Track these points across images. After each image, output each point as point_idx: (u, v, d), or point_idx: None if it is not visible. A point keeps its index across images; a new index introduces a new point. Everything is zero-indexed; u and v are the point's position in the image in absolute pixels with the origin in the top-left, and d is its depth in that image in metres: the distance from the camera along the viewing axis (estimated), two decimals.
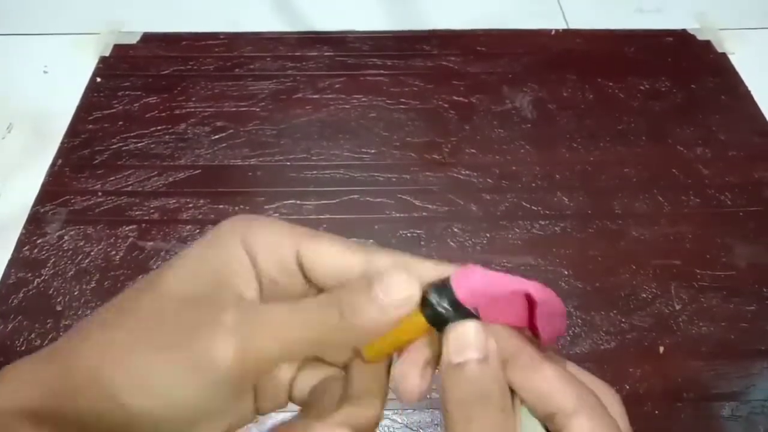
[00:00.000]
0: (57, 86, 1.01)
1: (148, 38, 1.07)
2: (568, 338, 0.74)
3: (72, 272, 0.78)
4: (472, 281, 0.22)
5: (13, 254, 0.80)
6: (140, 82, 1.00)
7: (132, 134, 0.93)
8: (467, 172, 0.90)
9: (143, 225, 0.83)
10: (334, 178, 0.89)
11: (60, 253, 0.80)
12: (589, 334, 0.74)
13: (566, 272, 0.80)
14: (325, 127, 0.95)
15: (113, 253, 0.80)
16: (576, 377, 0.22)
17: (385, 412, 0.68)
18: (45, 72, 1.04)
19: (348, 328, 0.20)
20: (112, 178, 0.88)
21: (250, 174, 0.89)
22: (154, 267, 0.79)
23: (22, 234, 0.82)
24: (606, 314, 0.76)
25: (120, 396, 0.19)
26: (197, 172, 0.89)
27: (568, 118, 0.97)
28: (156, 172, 0.89)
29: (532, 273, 0.79)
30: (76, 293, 0.76)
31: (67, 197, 0.85)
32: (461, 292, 0.21)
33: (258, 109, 0.97)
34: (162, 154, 0.91)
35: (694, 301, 0.77)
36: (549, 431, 0.21)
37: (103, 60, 1.04)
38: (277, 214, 0.84)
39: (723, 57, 1.07)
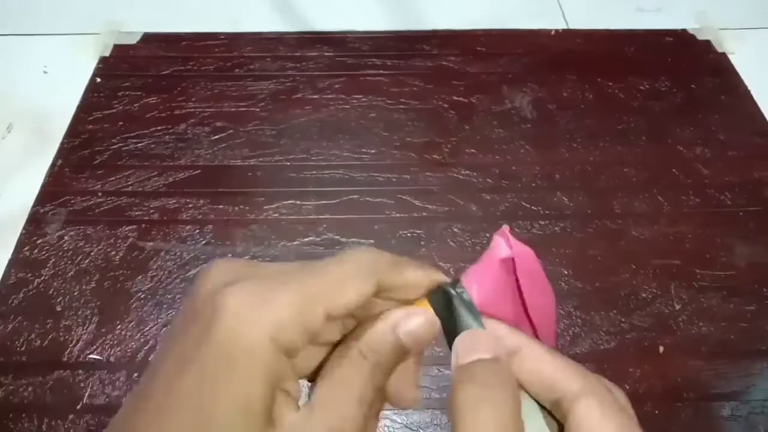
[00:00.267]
0: (57, 86, 1.01)
1: (148, 38, 1.07)
2: (568, 338, 0.74)
3: (72, 272, 0.78)
4: (475, 269, 0.23)
5: (13, 254, 0.80)
6: (140, 83, 1.00)
7: (132, 134, 0.93)
8: (467, 172, 0.90)
9: (143, 225, 0.83)
10: (333, 178, 0.89)
11: (60, 254, 0.80)
12: (588, 334, 0.74)
13: (566, 272, 0.80)
14: (324, 127, 0.95)
15: (113, 253, 0.80)
16: (580, 366, 0.22)
17: (385, 412, 0.68)
18: (45, 72, 1.04)
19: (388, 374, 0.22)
20: (112, 179, 0.88)
21: (249, 174, 0.89)
22: (154, 267, 0.79)
23: (22, 234, 0.82)
24: (606, 314, 0.76)
25: None
26: (197, 172, 0.89)
27: (568, 118, 0.97)
28: (156, 173, 0.89)
29: None
30: (76, 293, 0.76)
31: (67, 197, 0.85)
32: (468, 281, 0.23)
33: (258, 110, 0.97)
34: (162, 154, 0.91)
35: (694, 300, 0.77)
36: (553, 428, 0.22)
37: (103, 60, 1.04)
38: (277, 214, 0.84)
39: (723, 57, 1.07)
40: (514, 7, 1.16)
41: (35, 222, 0.83)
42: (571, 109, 0.98)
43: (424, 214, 0.85)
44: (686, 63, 1.06)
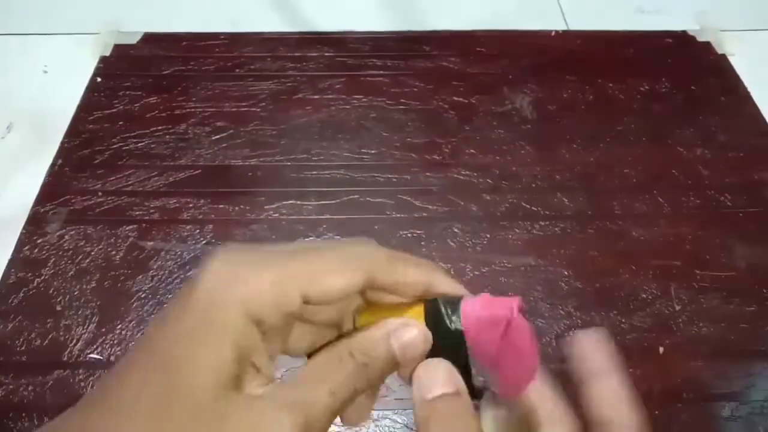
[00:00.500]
0: (57, 86, 1.01)
1: (148, 38, 1.07)
2: (569, 339, 0.74)
3: (72, 272, 0.78)
4: (477, 309, 0.23)
5: (13, 254, 0.80)
6: (141, 82, 1.00)
7: (132, 134, 0.93)
8: (467, 172, 0.90)
9: (143, 225, 0.83)
10: (334, 179, 0.89)
11: (60, 253, 0.80)
12: None
13: (566, 273, 0.80)
14: (325, 127, 0.95)
15: (113, 252, 0.80)
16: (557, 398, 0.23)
17: (385, 412, 0.68)
18: (45, 72, 1.04)
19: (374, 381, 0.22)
20: (112, 178, 0.88)
21: (250, 174, 0.89)
22: (155, 267, 0.79)
23: (22, 234, 0.82)
24: (606, 315, 0.76)
25: None
26: (197, 172, 0.89)
27: (568, 118, 0.97)
28: (156, 172, 0.89)
29: (532, 273, 0.79)
30: (76, 293, 0.76)
31: (68, 197, 0.85)
32: (466, 316, 0.22)
33: (258, 110, 0.97)
34: (162, 154, 0.91)
35: (694, 301, 0.77)
36: None
37: (103, 60, 1.04)
38: (277, 214, 0.84)
39: (723, 58, 1.07)
40: (515, 8, 1.16)
41: (35, 221, 0.83)
42: (572, 110, 0.98)
43: (424, 214, 0.85)
44: (686, 64, 1.06)
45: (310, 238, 0.82)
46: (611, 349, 0.23)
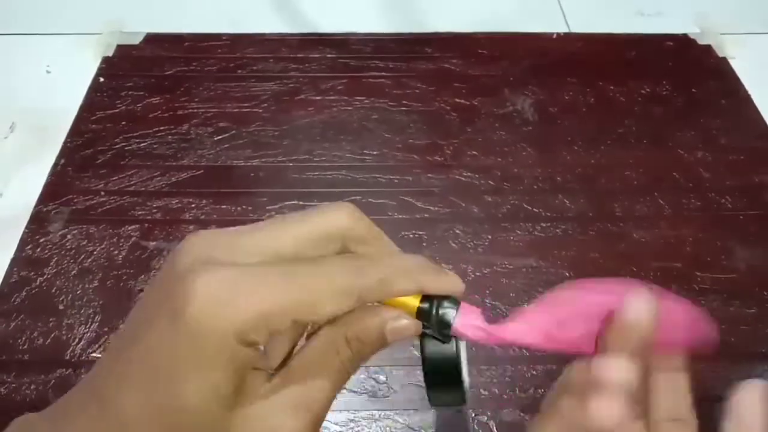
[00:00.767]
0: (60, 86, 1.01)
1: (151, 39, 1.08)
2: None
3: (74, 271, 0.78)
4: (472, 320, 0.24)
5: (15, 253, 0.80)
6: (143, 83, 1.01)
7: (135, 134, 0.93)
8: (469, 173, 0.90)
9: (146, 225, 0.83)
10: (336, 180, 0.89)
11: (62, 253, 0.80)
12: None
13: (567, 274, 0.80)
14: (327, 128, 0.96)
15: (116, 252, 0.80)
16: None
17: (387, 413, 0.69)
18: (48, 72, 1.04)
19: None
20: (114, 178, 0.88)
21: (252, 175, 0.89)
22: (157, 267, 0.79)
23: (24, 233, 0.82)
24: None
25: None
26: (200, 172, 0.89)
27: (569, 120, 0.98)
28: (159, 172, 0.89)
29: (534, 275, 0.80)
30: (78, 292, 0.76)
31: (70, 196, 0.86)
32: (460, 321, 0.23)
33: (260, 110, 0.97)
34: (165, 154, 0.91)
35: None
36: None
37: (106, 60, 1.04)
38: (279, 215, 0.85)
39: (723, 61, 1.07)
40: (516, 10, 1.17)
41: (38, 221, 0.83)
42: (573, 112, 0.99)
43: (426, 215, 0.86)
44: (687, 67, 1.06)
45: None
46: None
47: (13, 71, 1.04)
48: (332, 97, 1.00)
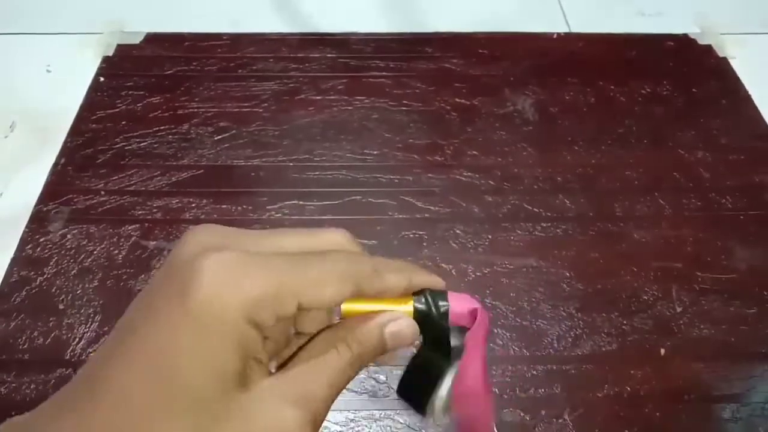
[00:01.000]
0: (60, 85, 1.01)
1: (151, 38, 1.08)
2: (570, 340, 0.74)
3: (75, 271, 0.78)
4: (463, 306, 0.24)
5: (15, 253, 0.80)
6: (143, 82, 1.01)
7: (135, 134, 0.93)
8: (469, 173, 0.90)
9: (146, 224, 0.83)
10: (336, 179, 0.89)
11: (63, 252, 0.80)
12: (590, 336, 0.75)
13: (567, 274, 0.80)
14: (327, 128, 0.96)
15: (116, 252, 0.80)
16: None
17: (387, 412, 0.69)
18: (48, 71, 1.04)
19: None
20: (114, 178, 0.88)
21: (252, 174, 0.89)
22: (157, 266, 0.79)
23: (24, 232, 0.82)
24: (607, 316, 0.76)
25: None
26: (200, 172, 0.89)
27: (569, 120, 0.98)
28: (159, 172, 0.89)
29: (534, 274, 0.80)
30: (78, 292, 0.76)
31: (70, 196, 0.86)
32: (454, 310, 0.24)
33: (261, 110, 0.97)
34: (165, 153, 0.91)
35: (695, 303, 0.77)
36: None
37: (106, 59, 1.04)
38: (279, 215, 0.85)
39: (724, 61, 1.07)
40: (517, 10, 1.17)
41: (38, 220, 0.83)
42: (573, 112, 0.99)
43: (426, 215, 0.85)
44: (687, 67, 1.06)
45: None
46: None
47: (13, 71, 1.04)
48: (332, 97, 1.00)
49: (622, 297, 0.78)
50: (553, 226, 0.85)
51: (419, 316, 0.23)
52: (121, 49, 1.06)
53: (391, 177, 0.90)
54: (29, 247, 0.80)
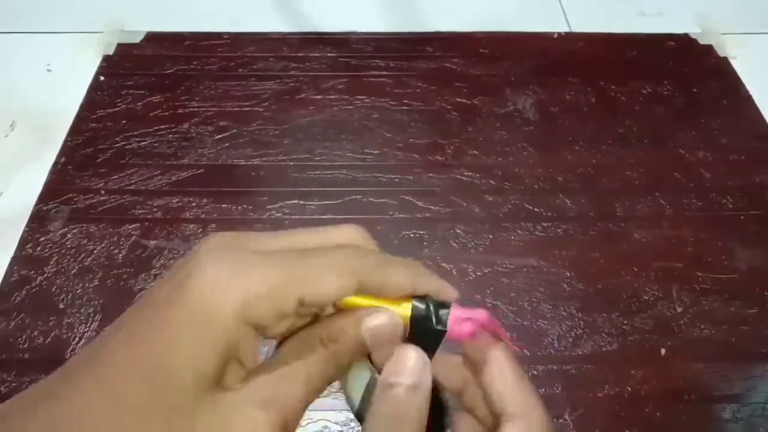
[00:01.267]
0: (60, 84, 1.01)
1: (151, 37, 1.08)
2: (570, 340, 0.74)
3: (75, 270, 0.78)
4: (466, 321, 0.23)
5: (15, 252, 0.80)
6: (143, 81, 1.00)
7: (135, 133, 0.93)
8: (470, 173, 0.90)
9: (146, 224, 0.83)
10: (336, 179, 0.89)
11: (63, 251, 0.80)
12: (590, 336, 0.75)
13: (568, 274, 0.80)
14: (327, 127, 0.96)
15: (116, 251, 0.80)
16: (535, 392, 0.24)
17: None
18: (48, 70, 1.04)
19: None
20: (115, 177, 0.88)
21: (253, 174, 0.89)
22: (157, 266, 0.79)
23: (24, 232, 0.82)
24: (608, 316, 0.76)
25: None
26: (200, 171, 0.89)
27: (570, 120, 0.97)
28: (159, 171, 0.89)
29: (535, 274, 0.80)
30: (78, 291, 0.76)
31: (70, 195, 0.86)
32: (455, 321, 0.23)
33: (261, 109, 0.97)
34: (165, 153, 0.91)
35: (696, 303, 0.77)
36: None
37: (106, 59, 1.04)
38: (280, 214, 0.85)
39: (725, 61, 1.07)
40: (517, 9, 1.17)
41: (38, 219, 0.83)
42: (574, 111, 0.99)
43: (426, 215, 0.85)
44: (688, 67, 1.06)
45: None
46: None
47: (13, 70, 1.04)
48: (333, 96, 1.00)
49: (622, 297, 0.78)
50: (554, 225, 0.85)
51: (415, 320, 0.22)
52: (122, 48, 1.06)
53: (392, 176, 0.89)
54: (29, 246, 0.80)
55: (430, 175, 0.90)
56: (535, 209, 0.86)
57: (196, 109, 0.97)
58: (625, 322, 0.76)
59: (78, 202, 0.85)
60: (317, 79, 1.02)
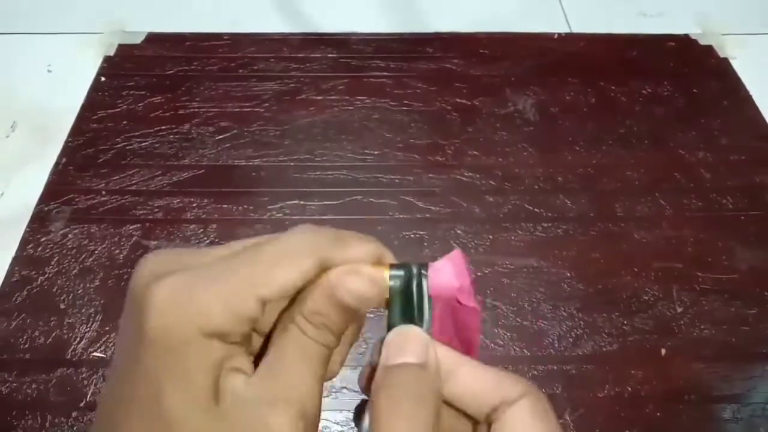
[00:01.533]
0: (61, 85, 1.01)
1: (152, 38, 1.08)
2: (571, 340, 0.74)
3: (76, 270, 0.78)
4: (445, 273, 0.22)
5: (17, 252, 0.80)
6: (144, 82, 1.01)
7: (136, 134, 0.93)
8: (470, 174, 0.90)
9: (147, 224, 0.83)
10: (337, 179, 0.89)
11: (64, 252, 0.80)
12: (591, 336, 0.75)
13: (568, 274, 0.80)
14: (328, 128, 0.96)
15: (117, 251, 0.80)
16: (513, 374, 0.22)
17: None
18: (49, 71, 1.04)
19: (339, 336, 0.21)
20: (116, 177, 0.88)
21: (253, 174, 0.89)
22: None
23: (26, 232, 0.82)
24: (608, 316, 0.76)
25: None
26: (201, 171, 0.89)
27: (570, 121, 0.98)
28: (160, 172, 0.89)
29: (535, 275, 0.80)
30: (79, 291, 0.76)
31: (71, 196, 0.86)
32: (434, 282, 0.21)
33: (262, 110, 0.97)
34: (166, 153, 0.91)
35: (696, 303, 0.77)
36: None
37: (107, 59, 1.04)
38: (280, 214, 0.85)
39: (725, 62, 1.07)
40: (517, 10, 1.17)
41: (39, 220, 0.83)
42: (574, 112, 0.99)
43: (427, 215, 0.86)
44: (688, 68, 1.06)
45: None
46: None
47: (14, 70, 1.04)
48: (333, 97, 1.00)
49: (622, 297, 0.78)
50: (554, 226, 0.85)
51: (395, 290, 0.21)
52: (122, 48, 1.06)
53: (392, 177, 0.90)
54: (30, 246, 0.80)
55: (431, 175, 0.90)
56: (536, 209, 0.86)
57: (196, 110, 0.97)
58: (625, 322, 0.76)
59: (79, 202, 0.85)
60: (318, 80, 1.02)
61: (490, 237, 0.83)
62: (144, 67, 1.03)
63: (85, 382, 0.69)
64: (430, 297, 0.21)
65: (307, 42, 1.09)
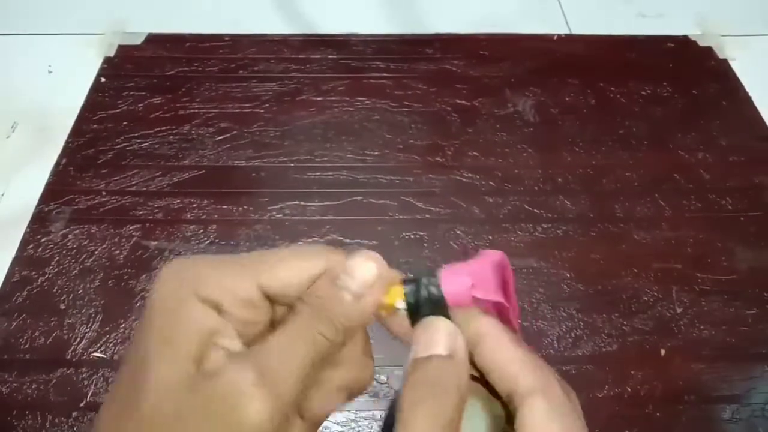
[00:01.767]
0: (61, 86, 1.01)
1: (152, 39, 1.08)
2: (570, 340, 0.74)
3: (76, 271, 0.78)
4: (459, 279, 0.22)
5: (17, 253, 0.80)
6: (144, 83, 1.01)
7: (136, 134, 0.93)
8: (470, 174, 0.90)
9: (147, 224, 0.83)
10: (337, 180, 0.89)
11: (64, 252, 0.80)
12: (590, 337, 0.75)
13: (568, 275, 0.80)
14: (328, 129, 0.96)
15: (117, 252, 0.80)
16: (541, 362, 0.22)
17: (387, 412, 0.69)
18: (50, 72, 1.04)
19: (340, 329, 0.20)
20: (116, 178, 0.88)
21: (253, 175, 0.89)
22: (158, 267, 0.79)
23: (26, 233, 0.82)
24: (608, 317, 0.76)
25: None
26: (201, 172, 0.89)
27: (570, 122, 0.98)
28: (160, 173, 0.89)
29: (535, 275, 0.80)
30: (80, 292, 0.77)
31: (72, 196, 0.86)
32: (447, 286, 0.21)
33: (262, 111, 0.98)
34: (166, 154, 0.91)
35: (695, 304, 0.78)
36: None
37: (107, 60, 1.04)
38: (280, 215, 0.85)
39: (724, 63, 1.07)
40: (517, 11, 1.17)
41: (39, 220, 0.83)
42: (574, 113, 0.99)
43: (427, 216, 0.86)
44: (688, 69, 1.07)
45: (314, 238, 0.83)
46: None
47: (15, 71, 1.04)
48: (333, 98, 1.00)
49: (622, 298, 0.78)
50: (554, 227, 0.85)
51: (410, 297, 0.21)
52: (123, 49, 1.06)
53: (392, 178, 0.90)
54: (30, 247, 0.81)
55: (430, 176, 0.90)
56: (535, 210, 0.86)
57: (196, 111, 0.97)
58: (624, 322, 0.76)
59: (79, 203, 0.85)
60: (318, 81, 1.02)
61: (490, 238, 0.84)
62: (144, 68, 1.03)
63: (85, 383, 0.69)
64: (443, 301, 0.21)
65: (307, 43, 1.09)
